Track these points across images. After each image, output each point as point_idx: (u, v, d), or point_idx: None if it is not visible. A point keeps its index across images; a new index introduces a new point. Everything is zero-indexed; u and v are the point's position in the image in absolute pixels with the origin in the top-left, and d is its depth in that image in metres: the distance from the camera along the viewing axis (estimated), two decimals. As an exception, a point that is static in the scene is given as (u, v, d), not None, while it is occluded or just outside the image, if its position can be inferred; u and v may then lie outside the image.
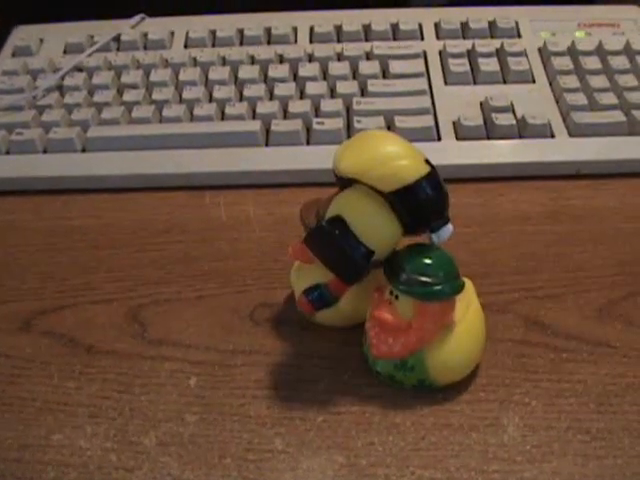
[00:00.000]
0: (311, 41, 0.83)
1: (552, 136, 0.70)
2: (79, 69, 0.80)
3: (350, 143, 0.49)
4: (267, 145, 0.71)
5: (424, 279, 0.47)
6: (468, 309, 0.51)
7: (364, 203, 0.48)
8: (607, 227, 0.64)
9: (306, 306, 0.54)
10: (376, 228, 0.48)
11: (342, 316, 0.54)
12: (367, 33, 0.83)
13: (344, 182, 0.49)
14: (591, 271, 0.60)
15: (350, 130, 0.71)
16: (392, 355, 0.49)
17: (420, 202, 0.47)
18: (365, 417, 0.50)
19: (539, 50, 0.80)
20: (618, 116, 0.70)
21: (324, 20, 0.84)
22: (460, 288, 0.48)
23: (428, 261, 0.48)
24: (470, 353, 0.50)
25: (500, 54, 0.79)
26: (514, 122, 0.70)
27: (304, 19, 0.85)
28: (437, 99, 0.74)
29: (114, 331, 0.57)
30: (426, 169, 0.47)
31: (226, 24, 0.84)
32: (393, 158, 0.47)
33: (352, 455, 0.47)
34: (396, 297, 0.49)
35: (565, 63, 0.77)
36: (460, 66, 0.77)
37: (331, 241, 0.48)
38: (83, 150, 0.72)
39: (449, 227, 0.48)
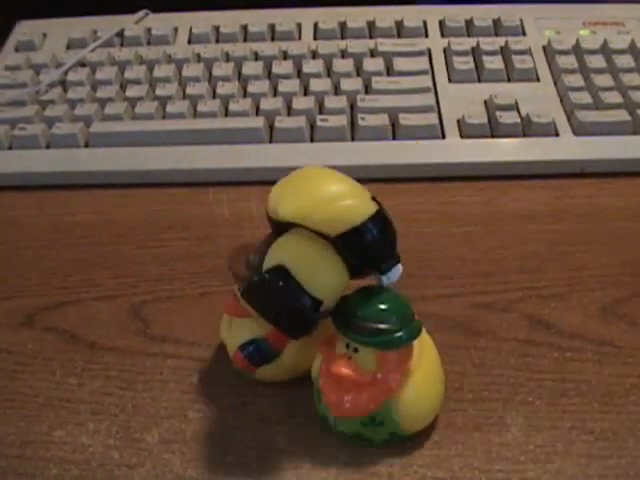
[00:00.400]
0: (315, 38, 0.83)
1: (556, 135, 0.70)
2: (82, 64, 0.79)
3: (287, 184, 0.45)
4: (271, 142, 0.71)
5: (382, 326, 0.44)
6: (423, 348, 0.47)
7: (308, 249, 0.44)
8: (612, 226, 0.64)
9: (244, 363, 0.49)
10: (323, 276, 0.44)
11: (285, 370, 0.50)
12: (371, 30, 0.83)
13: (280, 226, 0.45)
14: (595, 270, 0.60)
15: (354, 127, 0.71)
16: (358, 413, 0.45)
17: (369, 244, 0.43)
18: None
19: (544, 48, 0.79)
20: (623, 115, 0.70)
21: (328, 17, 0.84)
22: (420, 329, 0.45)
23: (383, 306, 0.44)
24: (437, 394, 0.48)
25: (505, 52, 0.78)
26: (518, 120, 0.70)
27: (308, 15, 0.85)
28: (441, 97, 0.74)
29: (116, 328, 0.56)
30: (373, 208, 0.43)
31: (230, 20, 0.84)
32: (337, 198, 0.43)
33: (355, 454, 0.47)
34: (355, 350, 0.45)
35: (570, 61, 0.76)
36: (464, 64, 0.77)
37: (275, 294, 0.44)
38: (86, 145, 0.71)
39: (399, 267, 0.45)
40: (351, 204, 0.43)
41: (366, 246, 0.43)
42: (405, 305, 0.45)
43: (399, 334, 0.44)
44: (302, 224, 0.43)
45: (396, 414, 0.45)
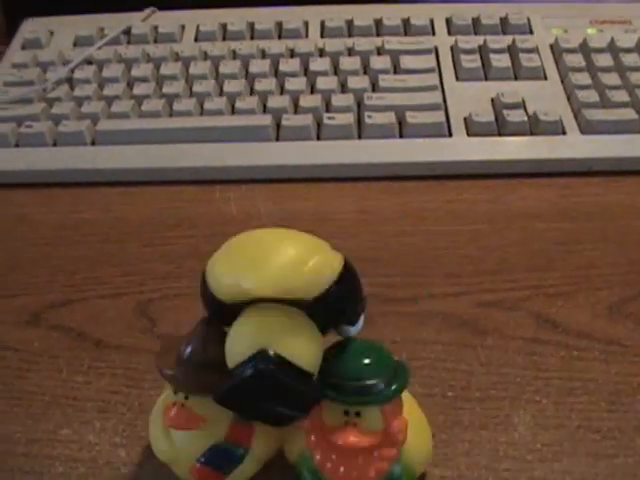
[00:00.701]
0: (322, 35, 0.82)
1: (563, 133, 0.70)
2: (89, 62, 0.79)
3: (234, 256, 0.40)
4: (278, 140, 0.71)
5: (382, 379, 0.40)
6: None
7: (287, 323, 0.38)
8: (619, 225, 0.64)
9: (212, 475, 0.43)
10: (309, 346, 0.39)
11: (255, 463, 0.44)
12: (378, 28, 0.83)
13: (227, 307, 0.39)
14: (602, 269, 0.60)
15: (361, 125, 0.71)
16: (383, 474, 0.42)
17: (346, 296, 0.39)
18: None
19: (551, 47, 0.79)
20: (630, 113, 0.70)
21: (335, 15, 0.84)
22: (409, 370, 0.42)
23: (368, 360, 0.41)
24: (429, 431, 0.45)
25: (512, 50, 0.78)
26: (525, 119, 0.70)
27: (315, 13, 0.85)
28: (448, 95, 0.74)
29: (123, 325, 0.56)
30: (338, 258, 0.39)
31: (237, 18, 0.84)
32: (302, 261, 0.38)
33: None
34: (357, 414, 0.41)
35: (577, 60, 0.76)
36: (472, 62, 0.77)
37: (276, 385, 0.38)
38: (93, 143, 0.72)
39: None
40: (320, 261, 0.38)
41: (343, 300, 0.39)
42: (381, 348, 0.42)
43: (400, 378, 0.41)
44: (276, 296, 0.38)
45: (412, 461, 0.43)
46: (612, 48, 0.77)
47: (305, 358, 0.38)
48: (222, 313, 0.40)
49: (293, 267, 0.38)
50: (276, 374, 0.37)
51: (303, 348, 0.38)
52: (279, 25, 0.83)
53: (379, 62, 0.77)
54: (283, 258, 0.38)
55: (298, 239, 0.40)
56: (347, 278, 0.39)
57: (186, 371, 0.40)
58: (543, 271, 0.60)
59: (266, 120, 0.71)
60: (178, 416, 0.41)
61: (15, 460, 0.47)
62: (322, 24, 0.83)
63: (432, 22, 0.83)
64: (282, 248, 0.38)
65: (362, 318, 0.41)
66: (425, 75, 0.76)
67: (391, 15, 0.83)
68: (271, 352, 0.37)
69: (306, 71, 0.77)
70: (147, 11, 0.87)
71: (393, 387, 0.40)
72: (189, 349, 0.40)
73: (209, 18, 0.84)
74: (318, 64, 0.77)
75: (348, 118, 0.71)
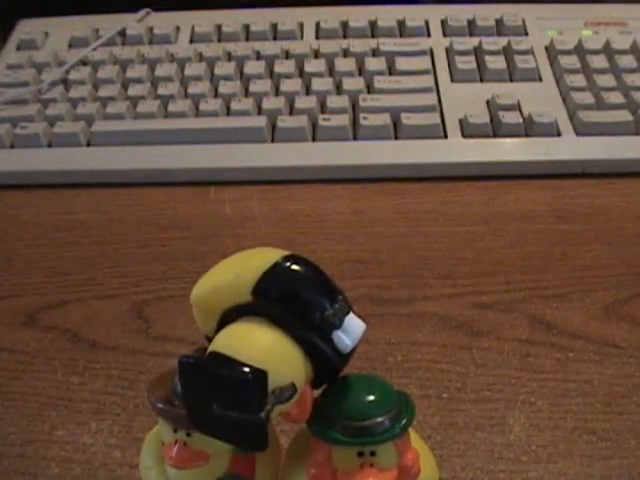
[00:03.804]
0: (317, 37, 0.82)
1: (558, 135, 0.70)
2: (84, 63, 0.79)
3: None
4: (273, 141, 0.71)
5: (385, 417, 0.37)
6: None
7: (240, 326, 0.35)
8: (613, 226, 0.64)
9: None
10: (247, 338, 0.35)
11: None
12: (373, 29, 0.83)
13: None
14: (597, 270, 0.60)
15: (356, 127, 0.71)
16: None
17: (285, 288, 0.35)
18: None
19: (546, 48, 0.79)
20: (625, 115, 0.70)
21: (330, 16, 0.84)
22: (412, 400, 0.39)
23: (373, 397, 0.38)
24: (433, 457, 0.42)
25: (507, 52, 0.78)
26: (520, 120, 0.70)
27: (310, 15, 0.85)
28: (443, 96, 0.74)
29: (118, 327, 0.56)
30: (276, 253, 0.36)
31: (232, 19, 0.84)
32: (236, 263, 0.36)
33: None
34: (372, 453, 0.38)
35: (572, 62, 0.76)
36: (467, 63, 0.77)
37: (205, 375, 0.34)
38: (88, 144, 0.71)
39: (354, 318, 0.36)
40: (251, 257, 0.36)
41: (284, 293, 0.35)
42: (379, 379, 0.40)
43: (407, 409, 0.38)
44: (212, 299, 0.36)
45: None
46: (607, 50, 0.77)
47: (236, 347, 0.34)
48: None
49: (225, 268, 0.37)
50: (198, 363, 0.34)
51: (237, 338, 0.35)
52: (274, 26, 0.83)
53: (374, 63, 0.77)
54: (221, 265, 0.37)
55: (251, 253, 0.37)
56: (283, 269, 0.35)
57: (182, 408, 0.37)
58: (538, 272, 0.60)
59: (261, 121, 0.71)
60: (181, 455, 0.38)
61: (10, 461, 0.47)
62: (317, 25, 0.83)
63: (427, 23, 0.83)
64: (229, 260, 0.37)
65: (355, 324, 0.36)
66: (420, 77, 0.76)
67: (386, 16, 0.83)
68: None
69: (301, 72, 0.77)
70: (142, 12, 0.87)
71: (404, 420, 0.38)
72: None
73: (204, 19, 0.84)
74: (313, 65, 0.77)
75: (343, 119, 0.71)
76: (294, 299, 0.35)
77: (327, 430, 0.37)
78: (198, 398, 0.35)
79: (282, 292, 0.35)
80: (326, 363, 0.36)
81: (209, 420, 0.35)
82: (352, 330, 0.35)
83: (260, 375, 0.33)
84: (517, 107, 0.72)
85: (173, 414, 0.38)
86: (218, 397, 0.34)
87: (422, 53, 0.79)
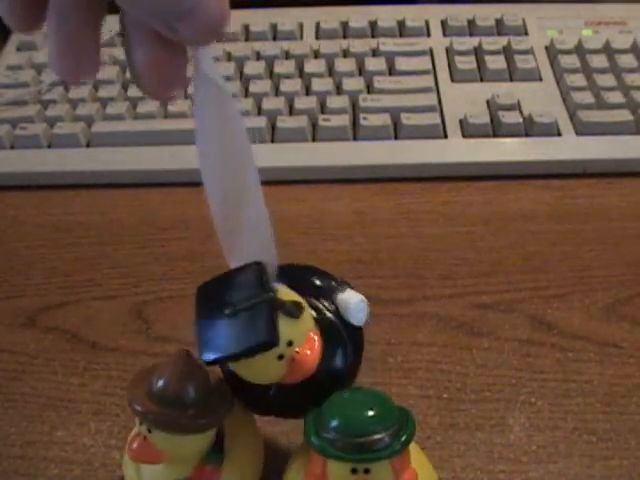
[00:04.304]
0: (317, 37, 0.82)
1: (559, 134, 0.70)
2: (84, 64, 0.79)
3: None
4: (272, 141, 0.71)
5: (382, 435, 0.37)
6: None
7: None
8: (613, 226, 0.64)
9: None
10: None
11: None
12: (373, 29, 0.83)
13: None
14: (597, 270, 0.60)
15: (356, 127, 0.71)
16: None
17: None
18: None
19: (546, 48, 0.79)
20: (625, 115, 0.70)
21: (330, 16, 0.84)
22: (414, 417, 0.39)
23: (372, 412, 0.37)
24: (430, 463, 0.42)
25: (507, 52, 0.78)
26: (520, 120, 0.70)
27: (310, 15, 0.85)
28: (443, 96, 0.74)
29: (118, 327, 0.56)
30: None
31: (231, 20, 0.83)
32: None
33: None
34: (366, 471, 0.37)
35: (572, 61, 0.76)
36: (467, 63, 0.77)
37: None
38: (87, 145, 0.71)
39: (352, 294, 0.41)
40: None
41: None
42: (380, 394, 0.39)
43: (407, 427, 0.38)
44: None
45: None
46: (607, 49, 0.77)
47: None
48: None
49: None
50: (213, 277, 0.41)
51: None
52: (274, 27, 0.83)
53: (374, 64, 0.77)
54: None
55: None
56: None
57: (151, 404, 0.39)
58: (538, 273, 0.60)
59: (261, 122, 0.71)
60: (139, 448, 0.40)
61: (10, 462, 0.47)
62: (317, 26, 0.83)
63: (427, 23, 0.83)
64: None
65: (356, 301, 0.41)
66: (420, 77, 0.76)
67: (386, 17, 0.83)
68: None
69: (301, 73, 0.77)
70: (142, 13, 0.86)
71: (402, 438, 0.37)
72: (160, 382, 0.39)
73: (204, 20, 0.84)
74: (313, 66, 0.77)
75: (343, 120, 0.71)
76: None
77: (323, 443, 0.37)
78: (210, 312, 0.38)
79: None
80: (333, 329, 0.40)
81: (219, 337, 0.37)
82: (353, 306, 0.40)
83: (265, 265, 0.39)
84: (517, 107, 0.72)
85: (135, 406, 0.39)
86: (230, 295, 0.39)
87: (422, 53, 0.79)
